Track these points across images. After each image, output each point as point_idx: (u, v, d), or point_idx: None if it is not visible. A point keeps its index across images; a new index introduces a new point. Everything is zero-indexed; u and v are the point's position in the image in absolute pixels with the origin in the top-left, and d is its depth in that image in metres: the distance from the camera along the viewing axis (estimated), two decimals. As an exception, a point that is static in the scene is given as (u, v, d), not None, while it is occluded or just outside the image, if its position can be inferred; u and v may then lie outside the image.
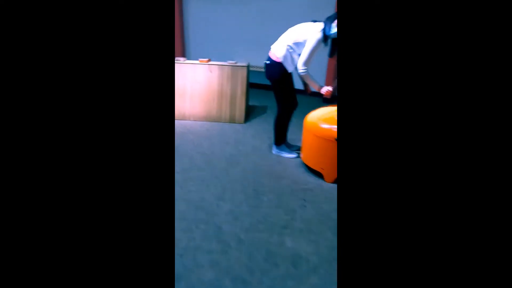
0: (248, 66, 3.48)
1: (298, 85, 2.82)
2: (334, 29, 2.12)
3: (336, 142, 2.16)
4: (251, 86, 5.08)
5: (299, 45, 2.26)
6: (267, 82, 5.13)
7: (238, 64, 3.46)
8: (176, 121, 3.51)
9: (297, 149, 2.85)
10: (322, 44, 2.19)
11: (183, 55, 5.24)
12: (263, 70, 4.75)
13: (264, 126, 3.47)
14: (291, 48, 2.29)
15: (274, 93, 2.53)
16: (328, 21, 2.14)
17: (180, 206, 1.98)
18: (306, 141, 2.45)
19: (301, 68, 2.25)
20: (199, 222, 1.84)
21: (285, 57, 2.31)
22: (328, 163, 2.29)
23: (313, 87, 2.43)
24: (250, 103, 4.33)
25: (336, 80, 2.41)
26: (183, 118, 3.58)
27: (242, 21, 4.86)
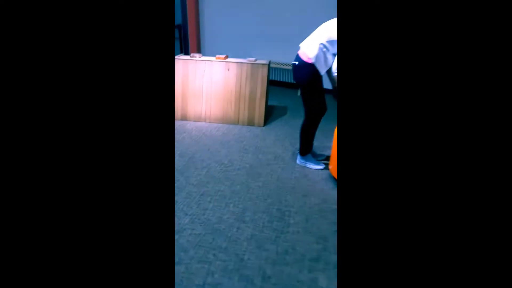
0: (269, 64, 3.19)
1: (326, 84, 2.53)
2: None
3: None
4: (269, 84, 4.79)
5: (334, 43, 1.96)
6: (287, 80, 4.86)
7: (258, 62, 3.18)
8: (191, 123, 3.28)
9: (324, 158, 2.57)
10: None
11: (198, 51, 4.98)
12: (282, 67, 4.46)
13: (286, 130, 3.20)
14: (325, 47, 1.99)
15: (302, 98, 2.24)
16: None
17: (196, 229, 1.75)
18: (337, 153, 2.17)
19: (336, 70, 1.96)
20: (218, 251, 1.60)
21: (317, 57, 2.02)
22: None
23: None
24: (269, 103, 4.05)
25: None
26: (199, 119, 3.34)
27: (261, 14, 4.54)
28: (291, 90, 4.67)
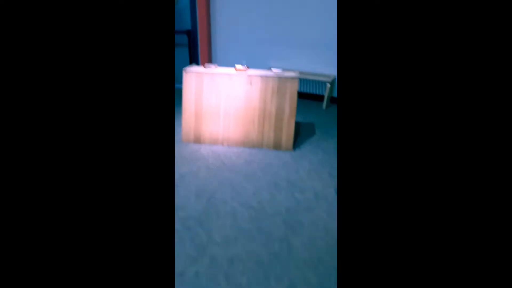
0: (298, 77, 2.68)
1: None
2: None
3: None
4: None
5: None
6: (310, 91, 4.34)
7: (286, 75, 2.67)
8: (206, 147, 2.77)
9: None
10: None
11: (210, 59, 4.49)
12: (305, 76, 3.95)
13: (320, 156, 2.68)
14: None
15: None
16: None
17: (229, 325, 1.23)
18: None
19: None
20: None
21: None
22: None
23: None
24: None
25: None
26: (215, 142, 2.83)
27: (280, 17, 4.05)
28: (316, 102, 4.15)
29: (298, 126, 3.34)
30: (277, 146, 2.78)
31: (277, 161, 2.57)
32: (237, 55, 4.39)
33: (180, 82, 4.78)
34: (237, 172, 2.37)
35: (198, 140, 2.85)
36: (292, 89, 2.65)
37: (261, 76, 2.66)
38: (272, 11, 4.05)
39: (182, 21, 4.42)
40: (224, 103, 2.75)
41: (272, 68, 2.82)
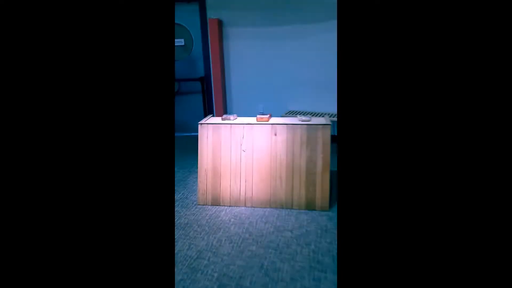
0: (331, 125, 2.32)
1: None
2: None
3: None
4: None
5: None
6: (336, 133, 3.98)
7: (316, 122, 2.32)
8: (227, 210, 2.36)
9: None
10: None
11: (225, 108, 4.25)
12: (334, 119, 3.61)
13: (363, 215, 2.21)
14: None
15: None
16: None
17: None
18: None
19: None
20: None
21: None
22: None
23: None
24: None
25: None
26: (237, 203, 2.42)
27: (301, 57, 3.83)
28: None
29: (331, 176, 2.91)
30: (310, 206, 2.33)
31: (313, 226, 2.11)
32: (253, 100, 4.14)
33: (194, 130, 4.53)
34: (267, 246, 1.92)
35: (216, 202, 2.45)
36: (325, 138, 2.28)
37: (287, 125, 2.32)
38: (289, 51, 3.84)
39: (196, 70, 4.29)
40: (245, 158, 2.39)
41: (297, 115, 2.50)
